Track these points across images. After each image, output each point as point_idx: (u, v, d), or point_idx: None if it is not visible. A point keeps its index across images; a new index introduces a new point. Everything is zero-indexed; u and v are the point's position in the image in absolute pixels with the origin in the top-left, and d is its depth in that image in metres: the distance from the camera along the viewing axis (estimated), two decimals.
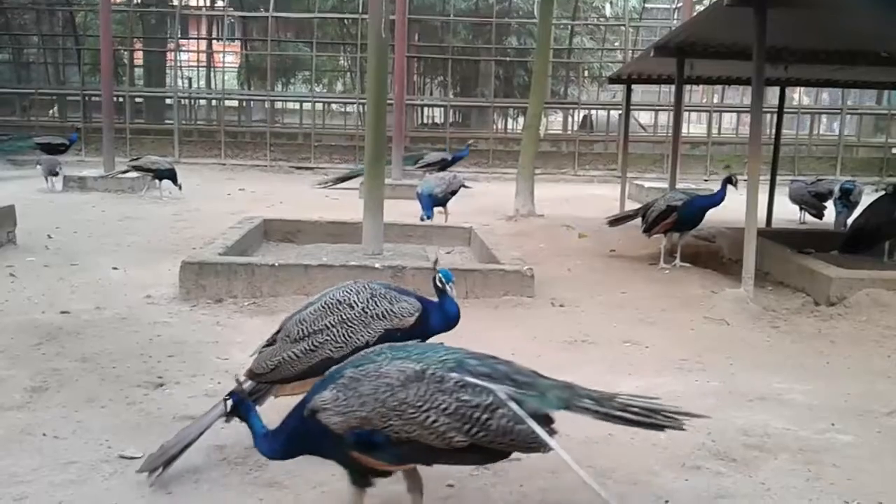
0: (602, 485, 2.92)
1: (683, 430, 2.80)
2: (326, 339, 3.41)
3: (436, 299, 3.65)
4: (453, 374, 2.65)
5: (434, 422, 2.59)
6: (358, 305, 3.46)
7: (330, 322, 3.43)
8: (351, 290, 3.54)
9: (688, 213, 8.49)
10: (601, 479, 3.43)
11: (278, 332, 3.57)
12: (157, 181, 13.52)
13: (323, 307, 3.48)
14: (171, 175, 13.35)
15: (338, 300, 3.49)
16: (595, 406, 2.73)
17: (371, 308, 3.46)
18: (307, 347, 3.41)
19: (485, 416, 2.59)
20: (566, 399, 2.73)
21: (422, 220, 9.84)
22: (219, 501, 3.16)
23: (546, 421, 2.68)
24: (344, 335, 3.40)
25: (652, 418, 2.78)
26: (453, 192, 10.77)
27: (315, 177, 18.16)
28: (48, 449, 3.55)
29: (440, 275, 3.59)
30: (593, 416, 2.73)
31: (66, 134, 17.85)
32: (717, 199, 8.50)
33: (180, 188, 13.34)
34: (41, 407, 4.05)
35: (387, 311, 3.47)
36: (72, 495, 3.15)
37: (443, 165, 16.66)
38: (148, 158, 13.92)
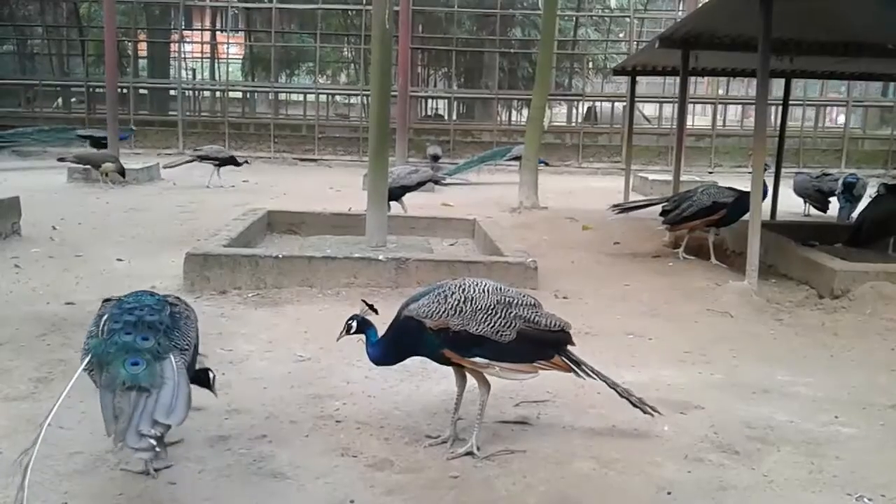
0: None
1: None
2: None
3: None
4: (104, 311, 3.22)
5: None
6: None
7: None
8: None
9: (738, 212, 8.19)
10: (605, 469, 3.45)
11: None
12: (217, 168, 14.11)
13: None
14: (232, 161, 14.21)
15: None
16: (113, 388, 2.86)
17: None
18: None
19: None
20: (113, 356, 2.95)
21: None
22: (222, 492, 3.17)
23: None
24: None
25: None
26: (404, 188, 10.31)
27: (323, 170, 18.06)
28: (53, 439, 3.56)
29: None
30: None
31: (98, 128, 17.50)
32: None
33: (248, 162, 14.79)
34: (46, 397, 4.06)
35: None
36: (77, 485, 3.17)
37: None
38: (211, 148, 14.89)
